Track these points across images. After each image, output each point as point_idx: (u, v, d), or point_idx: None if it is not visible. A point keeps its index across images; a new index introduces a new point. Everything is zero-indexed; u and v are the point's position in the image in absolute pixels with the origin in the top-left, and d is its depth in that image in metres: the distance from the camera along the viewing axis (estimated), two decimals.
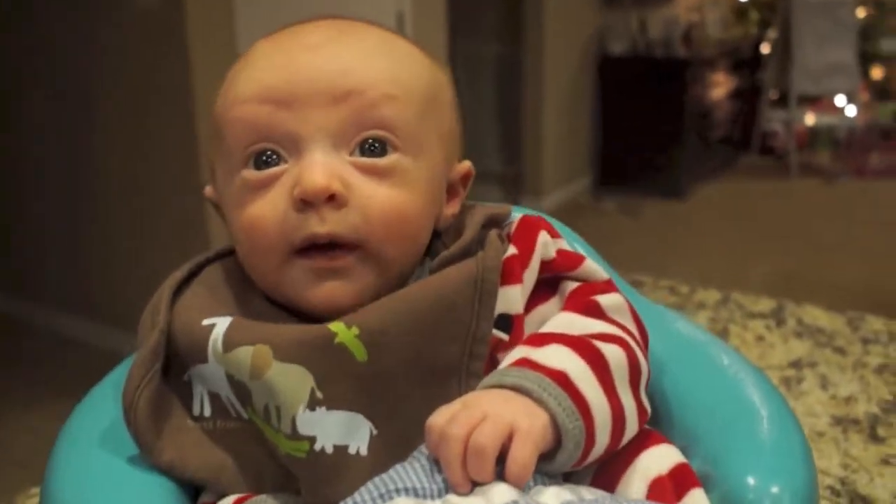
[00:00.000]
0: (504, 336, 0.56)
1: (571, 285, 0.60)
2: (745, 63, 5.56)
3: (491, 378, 0.51)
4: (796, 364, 1.04)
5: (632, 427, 0.53)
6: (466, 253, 0.58)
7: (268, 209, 0.56)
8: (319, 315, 0.56)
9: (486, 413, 0.46)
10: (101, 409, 0.61)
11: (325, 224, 0.55)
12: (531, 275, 0.59)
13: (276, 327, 0.55)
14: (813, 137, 5.61)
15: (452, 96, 0.64)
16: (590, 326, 0.56)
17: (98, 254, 2.99)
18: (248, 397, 0.55)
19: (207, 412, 0.57)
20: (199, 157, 2.54)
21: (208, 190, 0.65)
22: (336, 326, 0.53)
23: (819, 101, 5.50)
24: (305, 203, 0.54)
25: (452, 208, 0.64)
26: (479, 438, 0.45)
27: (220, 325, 0.56)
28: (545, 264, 0.60)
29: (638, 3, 5.03)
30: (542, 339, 0.54)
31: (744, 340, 1.11)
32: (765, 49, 5.64)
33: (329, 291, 0.56)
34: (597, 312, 0.57)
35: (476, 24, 4.69)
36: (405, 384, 0.53)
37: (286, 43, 0.59)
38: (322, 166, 0.55)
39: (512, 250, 0.59)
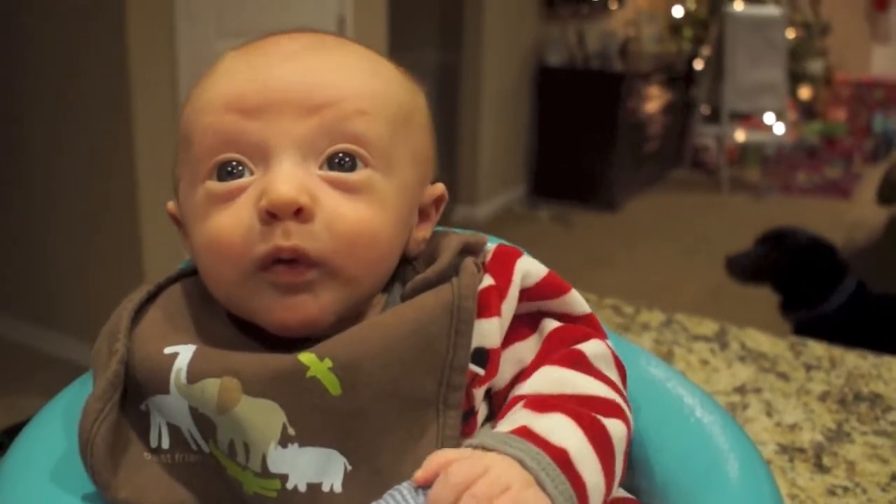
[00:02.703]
0: (480, 371, 0.55)
1: (551, 325, 0.58)
2: (679, 78, 5.66)
3: (494, 439, 0.49)
4: (741, 389, 1.05)
5: (614, 493, 0.52)
6: (441, 279, 0.56)
7: (231, 221, 0.54)
8: (284, 335, 0.55)
9: (488, 468, 0.46)
10: (48, 438, 0.58)
11: (289, 238, 0.52)
12: (509, 307, 0.57)
13: (243, 357, 0.52)
14: (743, 153, 5.74)
15: (428, 119, 0.63)
16: (581, 386, 0.54)
17: (21, 250, 2.91)
18: (212, 432, 0.52)
19: (165, 444, 0.54)
20: (134, 159, 2.48)
21: (170, 205, 0.62)
22: (307, 358, 0.51)
23: (749, 119, 5.63)
24: (271, 215, 0.52)
25: (424, 231, 0.62)
26: (482, 487, 0.44)
27: (184, 354, 0.53)
28: (525, 292, 0.58)
29: (576, 16, 5.09)
30: (543, 404, 0.52)
31: (689, 364, 1.11)
32: (698, 65, 5.75)
33: (292, 306, 0.53)
34: (584, 365, 0.56)
35: (416, 31, 4.69)
36: (381, 418, 0.51)
37: (259, 52, 0.57)
38: (290, 178, 0.53)
39: (489, 281, 0.57)
